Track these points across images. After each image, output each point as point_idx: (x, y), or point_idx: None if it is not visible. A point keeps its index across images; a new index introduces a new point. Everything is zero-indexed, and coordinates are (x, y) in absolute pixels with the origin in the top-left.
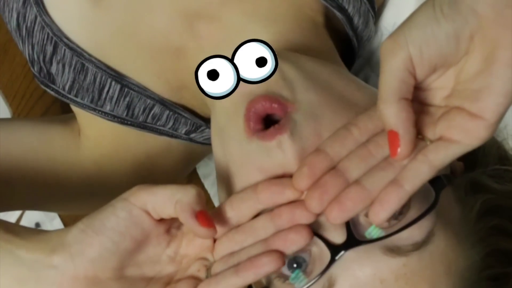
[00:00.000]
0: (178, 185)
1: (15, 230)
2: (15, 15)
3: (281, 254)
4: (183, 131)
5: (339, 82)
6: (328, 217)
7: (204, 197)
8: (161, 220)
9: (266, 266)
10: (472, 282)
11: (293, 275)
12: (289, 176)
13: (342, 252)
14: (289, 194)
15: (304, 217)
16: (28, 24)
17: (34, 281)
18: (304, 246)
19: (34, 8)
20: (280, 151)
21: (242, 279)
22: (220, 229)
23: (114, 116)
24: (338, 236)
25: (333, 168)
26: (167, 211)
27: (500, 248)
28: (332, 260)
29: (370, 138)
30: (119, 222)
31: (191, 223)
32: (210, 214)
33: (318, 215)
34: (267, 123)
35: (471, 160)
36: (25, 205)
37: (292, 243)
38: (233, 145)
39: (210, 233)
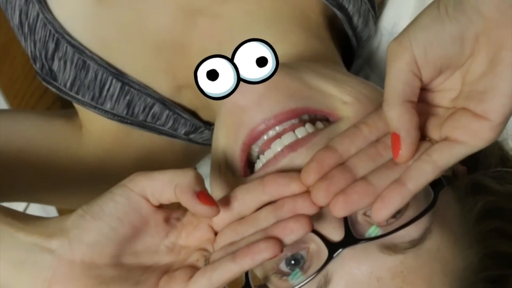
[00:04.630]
0: (176, 169)
1: (15, 214)
2: (17, 12)
3: (279, 241)
4: (183, 132)
5: (362, 86)
6: (332, 210)
7: (202, 178)
8: (160, 208)
9: (263, 253)
10: (470, 283)
11: (292, 274)
12: (298, 170)
13: (340, 250)
14: (294, 187)
15: (306, 208)
16: (31, 21)
17: (31, 264)
18: (303, 235)
19: (36, 6)
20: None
21: (239, 265)
22: (223, 219)
23: (114, 115)
24: (336, 234)
25: (341, 164)
26: (167, 196)
27: (499, 250)
28: (330, 258)
29: (380, 138)
30: (117, 207)
31: (193, 203)
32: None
33: (321, 207)
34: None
35: (473, 162)
36: (26, 196)
37: (291, 232)
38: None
39: (213, 211)
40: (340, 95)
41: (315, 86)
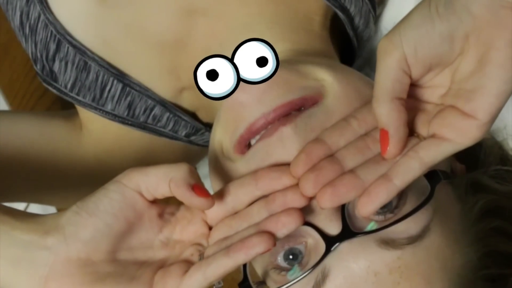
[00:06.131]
0: (169, 164)
1: (11, 212)
2: (18, 13)
3: (271, 235)
4: (183, 134)
5: (355, 77)
6: (319, 201)
7: (197, 172)
8: (154, 203)
9: (256, 247)
10: (469, 280)
11: (291, 271)
12: (289, 164)
13: (337, 244)
14: (285, 180)
15: (296, 200)
16: (32, 22)
17: (28, 262)
18: (295, 229)
19: (38, 6)
20: (280, 145)
21: (232, 259)
22: (217, 213)
23: (115, 116)
24: (333, 228)
25: (330, 156)
26: (162, 190)
27: (499, 249)
28: (327, 251)
29: (368, 132)
30: (112, 204)
31: (188, 196)
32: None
33: (311, 199)
34: None
35: (473, 161)
36: (25, 197)
37: (283, 226)
38: (227, 164)
39: (208, 203)
40: (332, 80)
41: (311, 75)
